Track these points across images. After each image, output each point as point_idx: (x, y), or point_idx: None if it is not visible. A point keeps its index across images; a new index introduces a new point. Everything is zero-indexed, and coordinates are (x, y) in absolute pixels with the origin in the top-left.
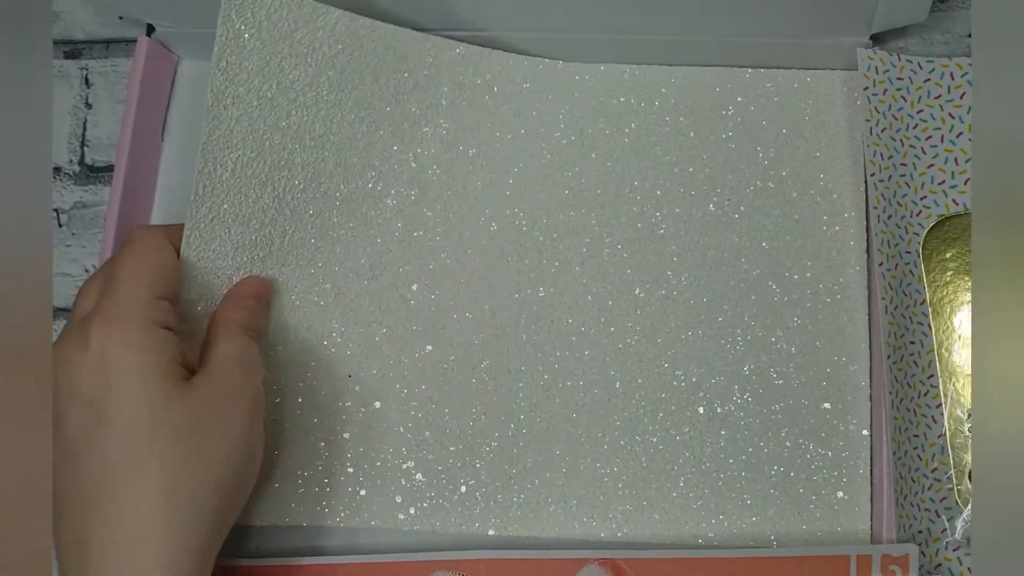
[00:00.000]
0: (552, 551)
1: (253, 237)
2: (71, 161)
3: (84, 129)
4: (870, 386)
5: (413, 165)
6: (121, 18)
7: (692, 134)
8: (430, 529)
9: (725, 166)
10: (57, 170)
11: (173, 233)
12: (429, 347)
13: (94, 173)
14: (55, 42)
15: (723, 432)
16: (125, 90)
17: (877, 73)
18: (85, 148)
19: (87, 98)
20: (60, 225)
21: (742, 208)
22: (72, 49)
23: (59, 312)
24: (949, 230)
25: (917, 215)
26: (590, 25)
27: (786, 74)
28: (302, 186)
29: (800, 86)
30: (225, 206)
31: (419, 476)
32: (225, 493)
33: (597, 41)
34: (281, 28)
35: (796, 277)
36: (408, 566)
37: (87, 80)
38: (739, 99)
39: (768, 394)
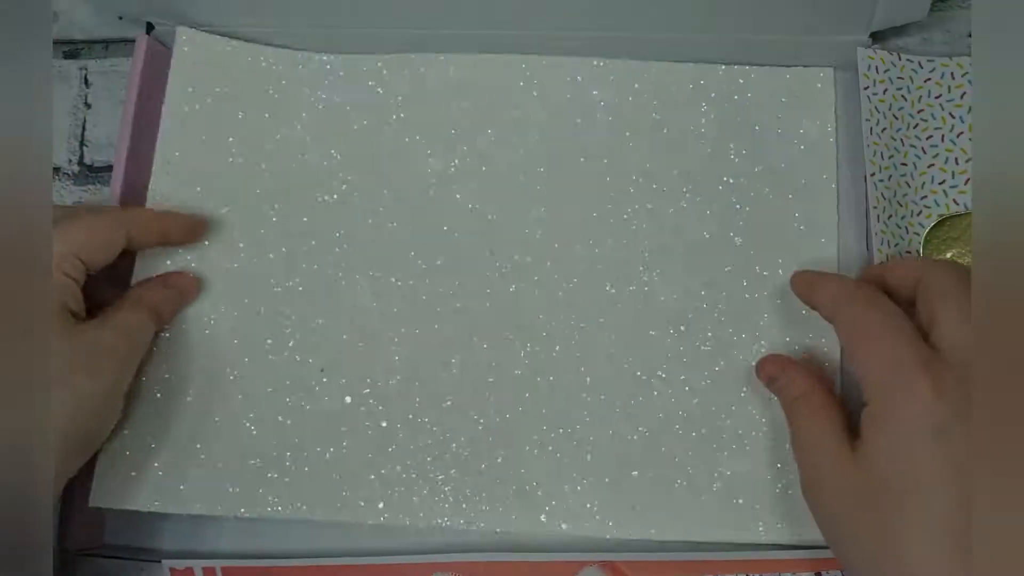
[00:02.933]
0: (551, 554)
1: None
2: (70, 161)
3: (83, 129)
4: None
5: (384, 168)
6: (121, 18)
7: (665, 130)
8: (400, 524)
9: (697, 162)
10: (57, 170)
11: (127, 220)
12: (398, 343)
13: (93, 173)
14: (55, 42)
15: (701, 430)
16: (125, 90)
17: (877, 72)
18: (84, 148)
19: (86, 98)
20: None
21: (714, 205)
22: (71, 49)
23: None
24: (950, 230)
25: (917, 215)
26: (580, 23)
27: (760, 71)
28: (263, 193)
29: (774, 82)
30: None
31: (388, 471)
32: (70, 440)
33: (581, 39)
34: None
35: (766, 274)
36: (405, 568)
37: (86, 80)
38: (712, 95)
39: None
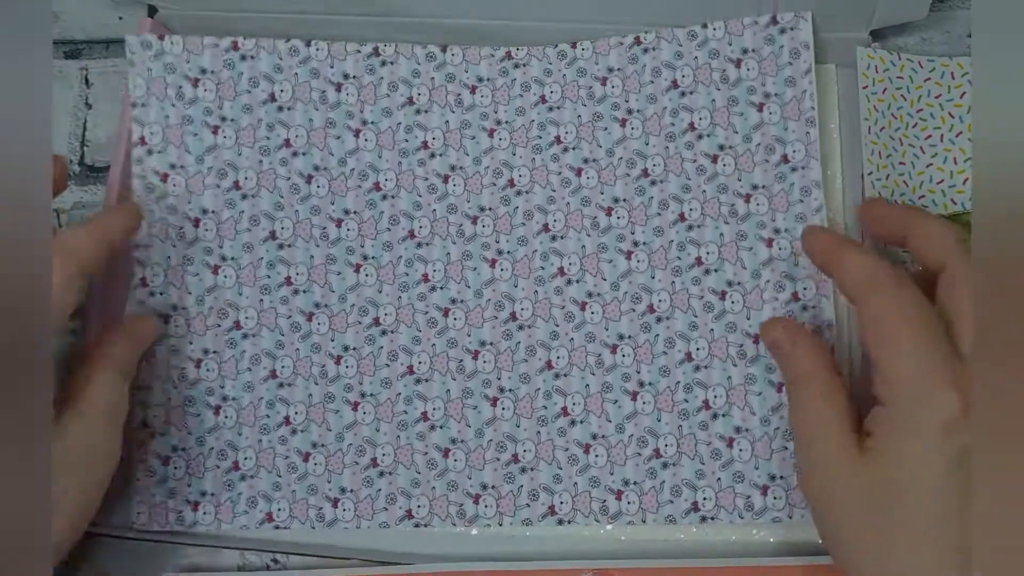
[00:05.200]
0: (546, 562)
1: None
2: (71, 161)
3: (84, 129)
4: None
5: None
6: (121, 18)
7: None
8: (410, 531)
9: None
10: None
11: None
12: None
13: (94, 173)
14: (55, 42)
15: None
16: (124, 88)
17: (876, 72)
18: (85, 148)
19: (87, 98)
20: (60, 225)
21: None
22: (72, 49)
23: None
24: None
25: None
26: (583, 15)
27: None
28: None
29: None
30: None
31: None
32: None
33: (585, 31)
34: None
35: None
36: None
37: (87, 80)
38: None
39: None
